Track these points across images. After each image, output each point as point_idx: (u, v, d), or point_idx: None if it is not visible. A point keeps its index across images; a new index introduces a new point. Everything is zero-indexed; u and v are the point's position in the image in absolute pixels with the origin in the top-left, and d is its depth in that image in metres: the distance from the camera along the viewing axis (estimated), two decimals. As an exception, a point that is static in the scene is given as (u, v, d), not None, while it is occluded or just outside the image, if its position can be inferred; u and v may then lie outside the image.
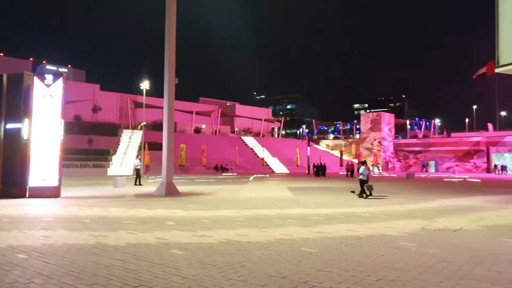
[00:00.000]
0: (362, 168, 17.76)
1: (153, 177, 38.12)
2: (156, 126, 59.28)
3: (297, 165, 59.74)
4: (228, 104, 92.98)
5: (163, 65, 19.96)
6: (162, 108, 21.02)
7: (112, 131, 58.04)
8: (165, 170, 19.30)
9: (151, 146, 46.80)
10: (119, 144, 53.73)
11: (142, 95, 47.20)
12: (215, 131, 72.02)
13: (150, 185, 26.37)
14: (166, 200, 16.58)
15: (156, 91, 56.83)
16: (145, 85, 46.50)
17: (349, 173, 42.39)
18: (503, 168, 54.22)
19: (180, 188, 21.00)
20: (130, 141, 55.41)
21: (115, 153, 50.67)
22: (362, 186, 17.34)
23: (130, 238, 8.22)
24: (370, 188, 17.33)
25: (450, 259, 6.50)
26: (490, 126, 70.63)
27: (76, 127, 53.88)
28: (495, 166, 55.74)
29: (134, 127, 63.38)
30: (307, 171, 50.53)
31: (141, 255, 6.73)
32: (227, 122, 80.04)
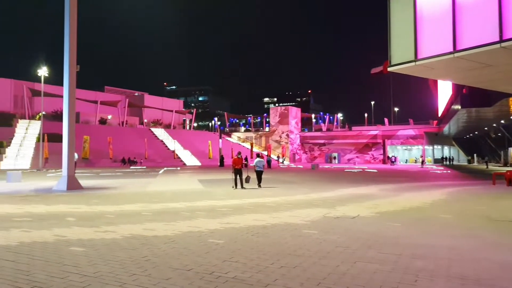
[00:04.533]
0: (257, 160, 19.37)
1: (53, 170, 35.54)
2: (57, 116, 55.33)
3: (209, 158, 59.72)
4: (136, 94, 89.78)
5: (63, 50, 18.61)
6: (62, 97, 19.66)
7: (6, 121, 53.03)
8: (66, 163, 18.11)
9: (51, 137, 43.55)
10: (14, 135, 49.14)
11: (40, 82, 43.56)
12: (122, 122, 69.06)
13: (50, 179, 24.58)
14: (67, 195, 15.58)
15: (57, 78, 52.89)
16: (43, 71, 42.84)
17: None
18: (395, 159, 59.53)
19: (83, 182, 19.87)
20: (27, 132, 51.02)
21: (9, 145, 46.33)
22: (258, 176, 18.78)
23: (23, 236, 7.60)
24: (247, 180, 18.68)
25: (347, 244, 7.01)
26: (386, 120, 77.11)
27: (-39, 116, 48.23)
28: (389, 157, 61.02)
29: (32, 117, 58.45)
30: (219, 164, 50.78)
31: (36, 254, 6.27)
32: (135, 113, 77.26)
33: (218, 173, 33.11)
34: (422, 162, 54.60)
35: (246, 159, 43.66)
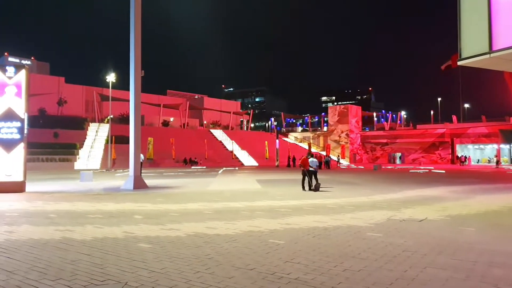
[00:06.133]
0: (310, 159, 17.72)
1: (121, 171, 37.44)
2: (123, 119, 58.18)
3: (266, 158, 60.00)
4: (196, 97, 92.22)
5: (129, 57, 19.55)
6: (128, 101, 20.68)
7: (78, 124, 56.61)
8: (133, 164, 18.99)
9: (118, 139, 45.91)
10: (85, 138, 52.47)
11: (108, 87, 46.13)
12: (184, 124, 71.29)
13: (118, 179, 25.90)
14: (134, 194, 16.32)
15: (123, 83, 55.59)
16: (111, 77, 45.45)
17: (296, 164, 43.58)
18: (465, 159, 56.09)
19: (148, 181, 20.72)
20: (97, 134, 54.18)
21: (81, 147, 49.45)
22: (310, 176, 17.33)
23: (97, 232, 8.05)
24: (316, 188, 17.09)
25: (415, 248, 6.70)
26: (454, 118, 73.08)
27: (41, 120, 52.26)
28: (458, 157, 57.64)
29: (101, 121, 61.97)
30: (276, 164, 50.89)
31: (108, 249, 6.61)
32: (195, 115, 79.39)
33: (275, 174, 33.14)
34: (497, 162, 50.92)
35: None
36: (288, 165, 48.96)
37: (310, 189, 17.18)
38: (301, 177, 17.92)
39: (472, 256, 6.17)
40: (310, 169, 17.38)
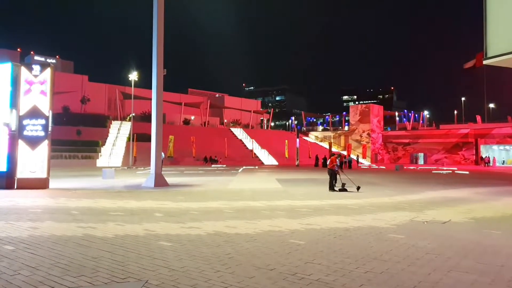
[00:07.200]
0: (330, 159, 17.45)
1: (142, 168, 37.90)
2: (145, 118, 58.85)
3: (286, 157, 59.83)
4: (217, 96, 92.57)
5: (151, 56, 19.74)
6: (150, 99, 20.85)
7: (101, 122, 57.48)
8: (154, 162, 19.18)
9: (139, 137, 46.47)
10: (108, 136, 53.26)
11: (131, 86, 46.77)
12: (204, 123, 71.70)
13: (139, 176, 26.22)
14: (155, 191, 16.48)
15: (145, 82, 56.35)
16: (133, 76, 46.09)
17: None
18: (489, 160, 54.71)
19: (169, 179, 20.90)
20: (119, 132, 54.96)
21: (104, 145, 50.25)
22: (335, 176, 17.09)
23: (118, 229, 8.14)
24: (342, 188, 16.81)
25: (439, 251, 6.55)
26: (478, 118, 71.37)
27: (65, 118, 53.28)
28: (482, 158, 56.30)
29: (123, 119, 62.83)
30: (296, 163, 50.68)
31: (129, 246, 6.67)
32: (216, 114, 79.71)
33: (295, 173, 33.00)
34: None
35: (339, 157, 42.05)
36: (316, 165, 47.67)
37: (333, 190, 16.75)
38: (326, 176, 17.63)
39: (499, 259, 5.99)
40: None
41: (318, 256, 6.17)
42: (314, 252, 6.43)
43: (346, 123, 77.94)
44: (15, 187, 16.43)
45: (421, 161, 63.70)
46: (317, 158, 48.81)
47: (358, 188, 16.91)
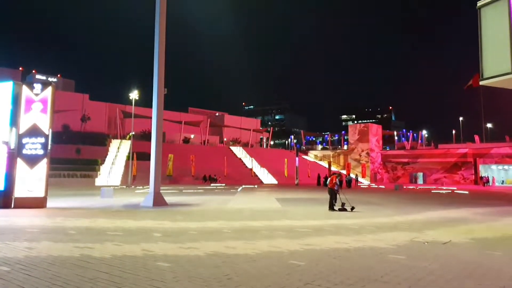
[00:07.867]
0: (329, 178, 17.48)
1: (141, 187, 37.74)
2: (145, 136, 58.96)
3: (285, 176, 59.71)
4: (217, 115, 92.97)
5: (152, 76, 19.90)
6: (150, 118, 20.92)
7: (101, 140, 57.56)
8: (153, 181, 19.10)
9: (139, 156, 46.43)
10: (107, 154, 53.28)
11: (131, 105, 46.96)
12: (204, 141, 71.80)
13: (138, 195, 26.09)
14: (153, 211, 16.37)
15: (145, 100, 56.77)
16: (134, 95, 46.30)
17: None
18: (487, 180, 54.57)
19: (168, 198, 20.78)
20: (119, 151, 54.99)
21: (103, 163, 50.18)
22: (335, 196, 17.06)
23: (116, 250, 8.05)
24: (342, 207, 16.71)
25: (440, 272, 6.47)
26: (476, 138, 71.56)
27: (64, 136, 53.34)
28: (481, 178, 56.20)
29: (123, 137, 62.93)
30: (295, 182, 50.54)
31: (126, 267, 6.59)
32: (216, 132, 79.91)
33: (295, 192, 32.87)
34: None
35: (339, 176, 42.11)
36: (318, 183, 47.38)
37: (333, 209, 16.67)
38: (325, 196, 17.55)
39: (501, 281, 5.93)
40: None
41: (318, 277, 6.09)
42: (314, 273, 6.35)
43: (345, 142, 78.07)
44: (12, 206, 16.33)
45: (420, 180, 63.56)
46: (319, 177, 48.73)
47: (352, 208, 16.79)
